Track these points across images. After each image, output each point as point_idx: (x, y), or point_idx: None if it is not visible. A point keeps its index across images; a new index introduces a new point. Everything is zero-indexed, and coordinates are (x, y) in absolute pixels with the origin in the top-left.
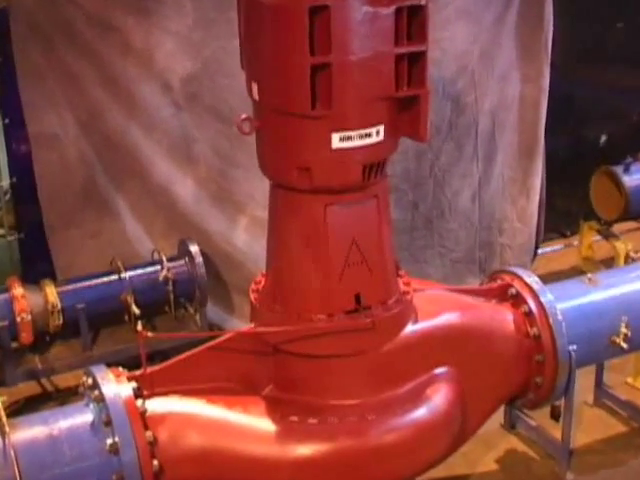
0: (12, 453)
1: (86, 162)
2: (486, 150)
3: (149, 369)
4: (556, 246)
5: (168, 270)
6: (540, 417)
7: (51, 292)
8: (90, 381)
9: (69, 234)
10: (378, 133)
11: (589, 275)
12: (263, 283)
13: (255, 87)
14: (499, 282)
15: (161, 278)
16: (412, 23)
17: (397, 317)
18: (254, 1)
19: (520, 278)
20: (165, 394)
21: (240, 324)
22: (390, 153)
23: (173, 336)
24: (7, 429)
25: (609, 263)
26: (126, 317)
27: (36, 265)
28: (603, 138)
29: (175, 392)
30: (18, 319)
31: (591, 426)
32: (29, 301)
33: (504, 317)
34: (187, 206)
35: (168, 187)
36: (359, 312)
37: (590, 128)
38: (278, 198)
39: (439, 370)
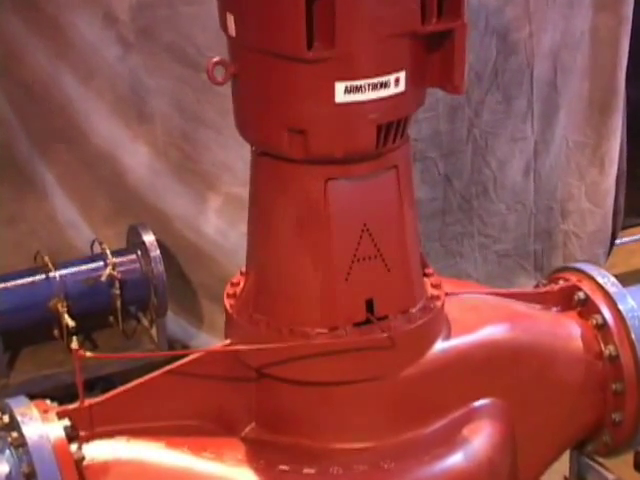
0: None
1: None
2: (544, 104)
3: (87, 401)
4: None
5: (113, 267)
6: (619, 467)
7: None
8: (6, 419)
9: None
10: (397, 82)
11: None
12: (242, 285)
13: (231, 19)
14: (562, 284)
15: (104, 278)
16: None
17: (423, 331)
18: None
19: (591, 278)
20: (109, 435)
21: (211, 340)
22: (414, 109)
23: (120, 357)
24: None
25: None
26: (56, 331)
27: None
28: None
29: (123, 432)
30: None
31: None
32: None
33: (568, 331)
34: (139, 181)
35: (112, 155)
36: (372, 324)
37: None
38: (262, 170)
39: (480, 403)
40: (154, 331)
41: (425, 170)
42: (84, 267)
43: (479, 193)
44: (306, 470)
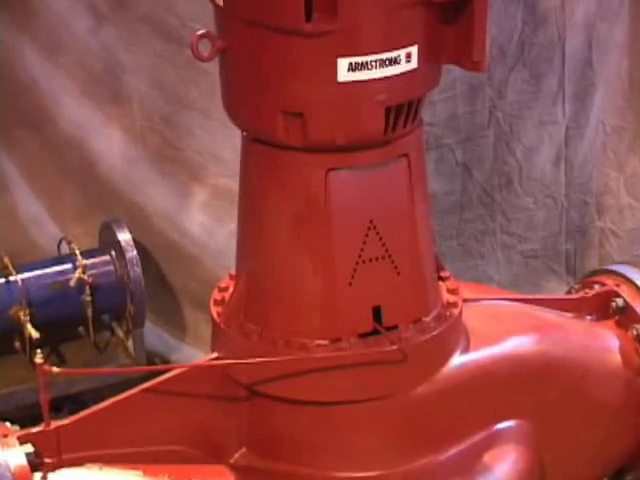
0: None
1: None
2: (578, 84)
3: (54, 424)
4: None
5: (84, 270)
6: None
7: None
8: None
9: None
10: (409, 58)
11: None
12: (231, 290)
13: None
14: (597, 289)
15: (73, 283)
16: None
17: (438, 343)
18: None
19: (630, 282)
20: (79, 463)
21: (195, 354)
22: (428, 90)
23: (92, 372)
24: None
25: None
26: (17, 343)
27: None
28: None
29: (95, 459)
30: None
31: None
32: None
33: (605, 343)
34: (112, 171)
35: (82, 142)
36: (379, 335)
37: None
38: (254, 160)
39: (503, 426)
40: (130, 343)
41: (440, 159)
42: (50, 270)
43: (502, 185)
44: None
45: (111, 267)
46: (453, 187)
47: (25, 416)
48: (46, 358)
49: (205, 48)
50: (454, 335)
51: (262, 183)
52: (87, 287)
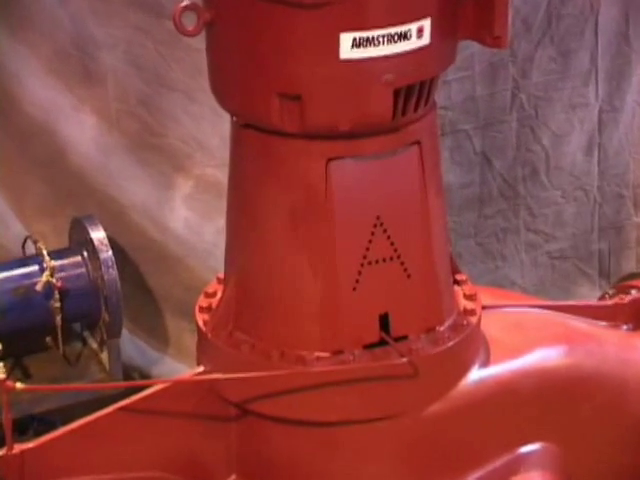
0: None
1: None
2: (613, 61)
3: (18, 447)
4: None
5: (52, 273)
6: None
7: None
8: None
9: None
10: (421, 33)
11: None
12: (219, 296)
13: None
14: (635, 294)
15: (39, 288)
16: None
17: (453, 355)
18: None
19: None
20: None
21: (178, 368)
22: (442, 69)
23: (61, 389)
24: None
25: None
26: None
27: None
28: None
29: None
30: None
31: None
32: None
33: None
34: (84, 161)
35: (50, 127)
36: (387, 346)
37: None
38: (246, 148)
39: (527, 449)
40: (105, 355)
41: (456, 147)
42: (13, 273)
43: (527, 176)
44: None
45: (83, 269)
46: (471, 179)
47: None
48: (9, 372)
49: (190, 21)
50: (472, 346)
51: (254, 174)
52: (55, 292)
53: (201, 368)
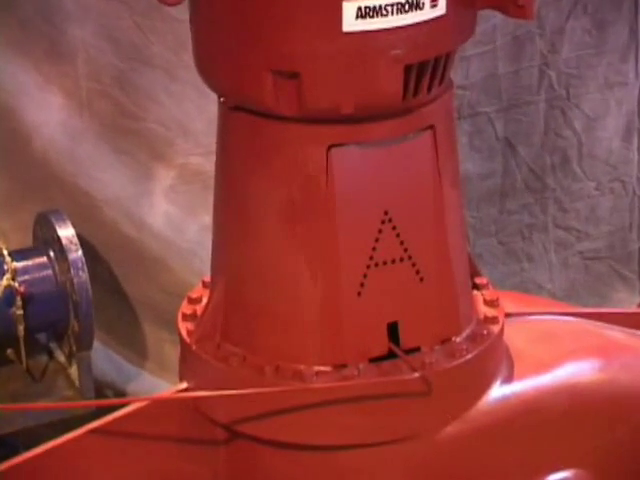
0: None
1: None
2: None
3: None
4: None
5: (13, 276)
6: None
7: None
8: None
9: None
10: (435, 2)
11: None
12: (205, 302)
13: None
14: None
15: None
16: None
17: (472, 370)
18: None
19: None
20: None
21: (157, 384)
22: (459, 42)
23: (24, 408)
24: None
25: None
26: None
27: None
28: None
29: None
30: None
31: None
32: None
33: None
34: (51, 148)
35: (12, 109)
36: (396, 360)
37: None
38: (236, 133)
39: (557, 477)
40: (74, 370)
41: (476, 132)
42: None
43: (556, 165)
44: None
45: (49, 271)
46: (492, 168)
47: None
48: None
49: None
50: (493, 359)
51: (245, 163)
52: (18, 297)
53: (184, 385)
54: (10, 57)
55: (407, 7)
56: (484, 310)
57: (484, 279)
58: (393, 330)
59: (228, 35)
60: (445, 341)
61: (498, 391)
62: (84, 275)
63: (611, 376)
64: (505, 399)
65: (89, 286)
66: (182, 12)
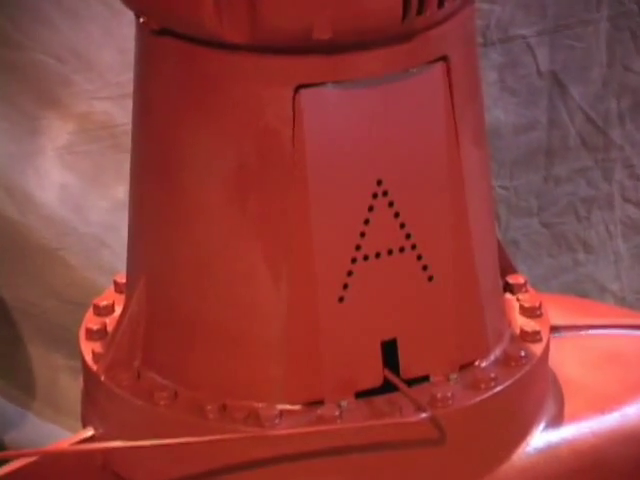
0: None
1: None
2: None
3: None
4: None
5: None
6: None
7: None
8: None
9: None
10: None
11: None
12: (119, 312)
13: None
14: None
15: None
16: None
17: (504, 408)
18: None
19: None
20: None
21: (49, 430)
22: None
23: None
24: None
25: None
26: None
27: None
28: None
29: None
30: None
31: None
32: None
33: None
34: None
35: None
36: (396, 393)
37: None
38: (162, 67)
39: None
40: None
41: (510, 64)
42: None
43: (625, 112)
44: None
45: None
46: (533, 117)
47: None
48: None
49: None
50: (534, 393)
51: (175, 112)
52: None
53: (90, 432)
54: None
55: None
56: (521, 322)
57: (521, 278)
58: (390, 351)
59: None
60: (465, 367)
61: (542, 438)
62: None
63: None
64: (552, 449)
65: None
66: None
